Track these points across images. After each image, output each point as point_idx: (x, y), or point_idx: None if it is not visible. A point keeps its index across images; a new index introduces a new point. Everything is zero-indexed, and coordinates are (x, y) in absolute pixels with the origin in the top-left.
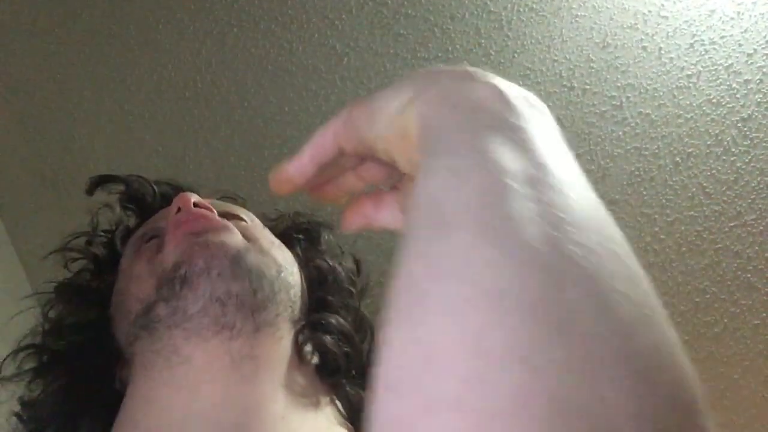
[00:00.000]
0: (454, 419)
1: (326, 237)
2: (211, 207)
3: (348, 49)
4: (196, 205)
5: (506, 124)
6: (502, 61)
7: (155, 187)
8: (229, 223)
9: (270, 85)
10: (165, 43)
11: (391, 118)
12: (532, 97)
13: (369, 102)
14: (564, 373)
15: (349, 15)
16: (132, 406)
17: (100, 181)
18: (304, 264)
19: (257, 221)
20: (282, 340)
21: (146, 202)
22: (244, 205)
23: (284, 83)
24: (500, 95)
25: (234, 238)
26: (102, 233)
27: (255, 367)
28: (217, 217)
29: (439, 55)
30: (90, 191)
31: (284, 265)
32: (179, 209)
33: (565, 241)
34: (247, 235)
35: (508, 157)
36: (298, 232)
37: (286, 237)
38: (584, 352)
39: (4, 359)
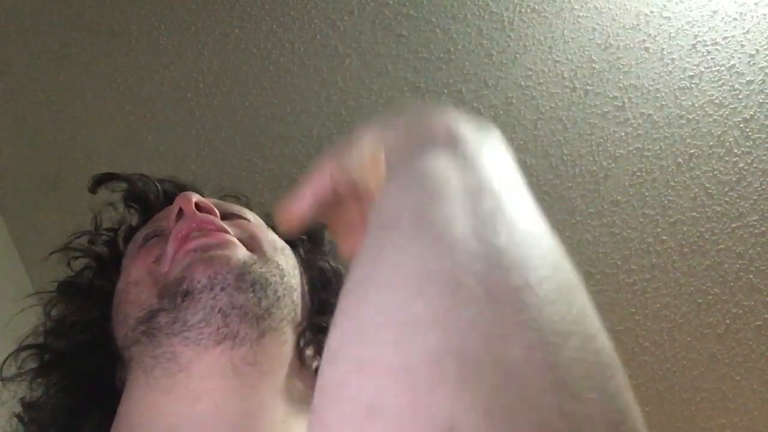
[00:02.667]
0: (381, 377)
1: (329, 237)
2: (213, 208)
3: (350, 50)
4: (198, 205)
5: (450, 144)
6: (504, 61)
7: (158, 185)
8: (233, 239)
9: (272, 86)
10: (167, 44)
11: (365, 150)
12: (482, 123)
13: (349, 138)
14: (472, 334)
15: (351, 16)
16: (129, 409)
17: (103, 179)
18: (307, 265)
19: (260, 221)
20: (285, 345)
21: (149, 200)
22: (247, 205)
23: (286, 84)
24: (450, 124)
25: (238, 251)
26: (105, 232)
27: (257, 373)
28: (219, 222)
29: (441, 56)
30: (93, 189)
31: (287, 269)
32: (181, 210)
33: (491, 235)
34: (249, 239)
35: (446, 170)
36: (301, 233)
37: (288, 236)
38: (491, 316)
39: (5, 359)
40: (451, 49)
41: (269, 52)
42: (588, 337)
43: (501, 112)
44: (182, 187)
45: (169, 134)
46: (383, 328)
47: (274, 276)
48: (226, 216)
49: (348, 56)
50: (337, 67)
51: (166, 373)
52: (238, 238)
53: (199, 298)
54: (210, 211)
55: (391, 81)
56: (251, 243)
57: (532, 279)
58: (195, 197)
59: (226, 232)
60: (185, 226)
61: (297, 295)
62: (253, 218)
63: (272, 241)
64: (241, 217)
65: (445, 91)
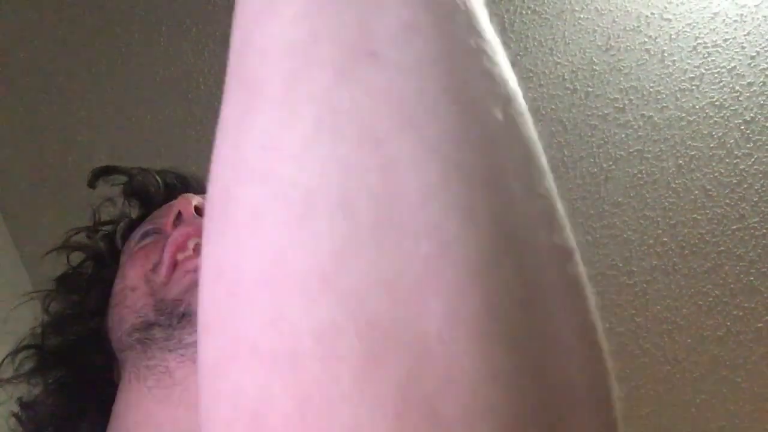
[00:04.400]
0: (254, 365)
1: None
2: None
3: None
4: (198, 208)
5: None
6: None
7: (159, 177)
8: None
9: None
10: (167, 45)
11: None
12: None
13: None
14: (376, 294)
15: None
16: (123, 413)
17: (101, 173)
18: None
19: None
20: None
21: (150, 193)
22: None
23: None
24: None
25: None
26: (103, 226)
27: None
28: None
29: None
30: (92, 183)
31: None
32: (180, 213)
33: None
34: None
35: None
36: None
37: None
38: (400, 266)
39: (3, 359)
40: None
41: None
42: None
43: None
44: (183, 179)
45: (169, 135)
46: (253, 291)
47: None
48: None
49: None
50: None
51: (159, 385)
52: None
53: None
54: None
55: None
56: None
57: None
58: (195, 200)
59: None
60: (183, 232)
61: None
62: None
63: None
64: None
65: None
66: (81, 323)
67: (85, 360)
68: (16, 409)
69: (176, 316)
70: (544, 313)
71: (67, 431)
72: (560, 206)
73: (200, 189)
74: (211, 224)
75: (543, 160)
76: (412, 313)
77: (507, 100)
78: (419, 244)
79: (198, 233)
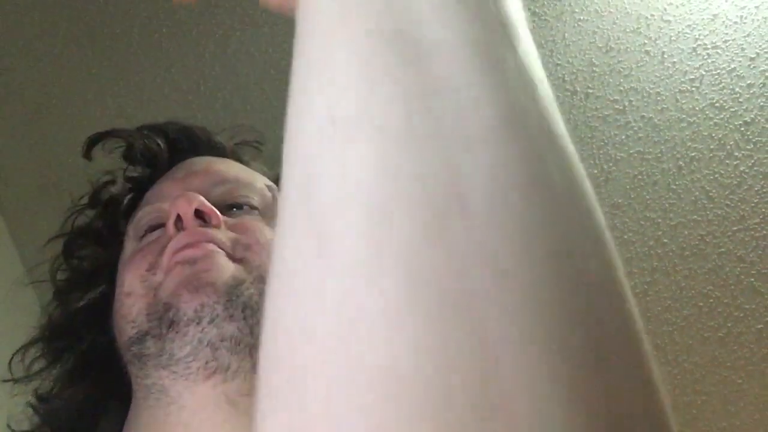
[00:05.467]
0: None
1: None
2: (215, 213)
3: None
4: (198, 212)
5: None
6: None
7: (162, 135)
8: (227, 236)
9: (272, 89)
10: (168, 47)
11: None
12: None
13: None
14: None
15: None
16: (135, 424)
17: (98, 139)
18: None
19: (266, 198)
20: None
21: (154, 155)
22: (260, 156)
23: (287, 86)
24: None
25: (223, 270)
26: (106, 203)
27: (253, 403)
28: (217, 237)
29: None
30: (86, 154)
31: None
32: (179, 216)
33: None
34: (244, 249)
35: None
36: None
37: None
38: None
39: (13, 355)
40: None
41: (270, 54)
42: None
43: None
44: (188, 132)
45: None
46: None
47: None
48: (232, 206)
49: None
50: None
51: (158, 404)
52: (236, 247)
53: (186, 331)
54: (211, 217)
55: None
56: (245, 254)
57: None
58: (195, 203)
59: (220, 247)
60: (181, 242)
61: None
62: (260, 197)
63: (268, 244)
64: (249, 203)
65: None
66: (88, 289)
67: (91, 339)
68: (15, 408)
69: (165, 323)
70: None
71: (86, 424)
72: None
73: (206, 142)
74: (272, 388)
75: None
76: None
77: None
78: None
79: (197, 237)
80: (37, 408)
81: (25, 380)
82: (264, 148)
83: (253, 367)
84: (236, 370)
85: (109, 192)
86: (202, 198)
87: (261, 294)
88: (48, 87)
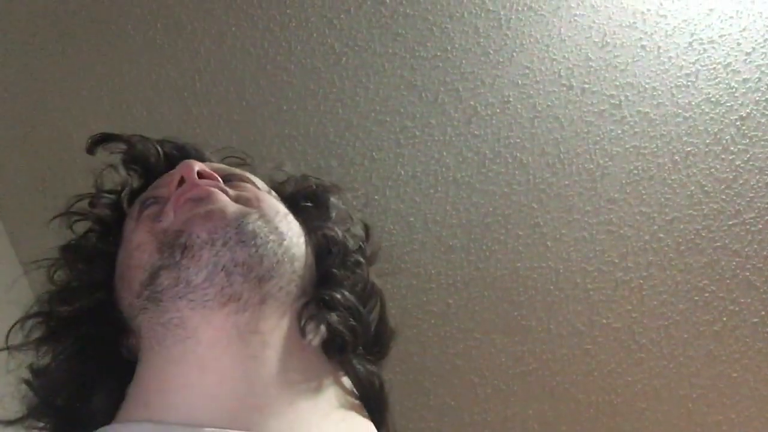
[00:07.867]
0: None
1: (334, 202)
2: (216, 176)
3: (346, 49)
4: (200, 174)
5: None
6: (501, 60)
7: (159, 147)
8: (229, 191)
9: (268, 85)
10: (163, 43)
11: None
12: None
13: None
14: None
15: (348, 14)
16: (142, 383)
17: (101, 140)
18: (312, 232)
19: (263, 185)
20: (285, 317)
21: (150, 162)
22: (250, 166)
23: (283, 83)
24: None
25: (230, 205)
26: (106, 194)
27: (259, 343)
28: (222, 187)
29: (438, 54)
30: (90, 150)
31: (288, 235)
32: (182, 179)
33: None
34: (249, 201)
35: None
36: (306, 198)
37: (292, 202)
38: None
39: (12, 326)
40: (448, 47)
41: (266, 51)
42: None
43: (498, 110)
44: (183, 149)
45: (166, 134)
46: None
47: (272, 236)
48: (229, 178)
49: (344, 55)
50: (333, 66)
51: (175, 341)
52: (238, 199)
53: (200, 255)
54: (212, 179)
55: (387, 79)
56: (252, 203)
57: None
58: (197, 166)
59: (227, 195)
60: (187, 190)
61: (300, 266)
62: (257, 182)
63: (274, 205)
64: (244, 178)
65: (442, 89)
66: (88, 293)
67: (91, 329)
68: (25, 375)
69: (179, 248)
70: None
71: (80, 399)
72: None
73: (199, 157)
74: None
75: None
76: None
77: None
78: None
79: (201, 191)
80: (31, 383)
81: (23, 348)
82: (252, 163)
83: (260, 303)
84: (246, 300)
85: (112, 183)
86: (202, 164)
87: (268, 231)
88: (44, 85)
